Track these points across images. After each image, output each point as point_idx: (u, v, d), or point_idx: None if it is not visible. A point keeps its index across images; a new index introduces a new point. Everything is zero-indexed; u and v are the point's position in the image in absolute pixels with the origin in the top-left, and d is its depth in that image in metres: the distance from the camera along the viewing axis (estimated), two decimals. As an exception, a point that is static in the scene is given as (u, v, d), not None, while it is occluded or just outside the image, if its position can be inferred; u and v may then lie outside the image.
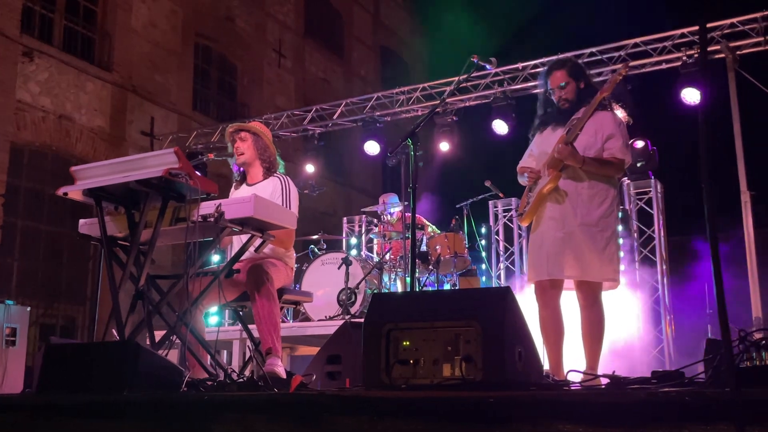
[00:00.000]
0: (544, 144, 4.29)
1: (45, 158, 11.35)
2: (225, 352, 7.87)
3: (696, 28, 8.05)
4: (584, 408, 2.22)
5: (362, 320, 2.85)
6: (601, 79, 8.48)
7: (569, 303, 4.25)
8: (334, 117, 10.43)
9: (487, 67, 4.21)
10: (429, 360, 2.70)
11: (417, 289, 6.65)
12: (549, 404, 2.29)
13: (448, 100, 9.51)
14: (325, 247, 8.09)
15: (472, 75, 9.15)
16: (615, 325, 7.25)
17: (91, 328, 11.47)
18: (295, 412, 2.63)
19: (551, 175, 4.14)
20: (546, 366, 3.84)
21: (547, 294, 4.15)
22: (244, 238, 3.94)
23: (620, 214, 7.97)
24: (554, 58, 8.51)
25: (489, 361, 2.60)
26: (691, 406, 2.06)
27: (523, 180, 4.37)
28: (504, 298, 2.70)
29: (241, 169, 4.70)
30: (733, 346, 2.49)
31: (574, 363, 3.99)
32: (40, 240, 11.22)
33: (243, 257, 4.10)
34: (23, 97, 10.86)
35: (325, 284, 7.32)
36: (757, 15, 7.68)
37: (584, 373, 3.61)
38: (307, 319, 7.31)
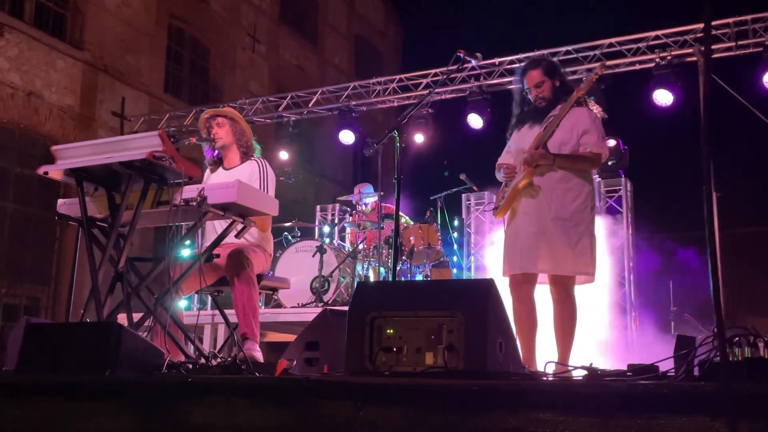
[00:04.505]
0: (521, 141, 4.37)
1: (12, 135, 11.16)
2: (195, 336, 7.84)
3: (671, 30, 8.20)
4: (565, 398, 2.29)
5: (342, 308, 2.91)
6: (575, 77, 8.61)
7: (543, 296, 4.33)
8: (310, 105, 10.42)
9: (473, 62, 4.26)
10: (412, 348, 2.75)
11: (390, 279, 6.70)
12: (531, 394, 2.35)
13: (424, 93, 9.56)
14: (299, 234, 8.10)
15: (449, 69, 9.23)
16: (580, 319, 7.39)
17: (55, 308, 11.34)
18: (279, 397, 2.66)
19: (526, 171, 4.22)
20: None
21: (521, 288, 4.22)
22: (222, 222, 3.95)
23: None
24: (530, 55, 8.63)
25: (471, 351, 2.66)
26: (668, 398, 2.14)
27: (500, 176, 4.45)
28: (488, 289, 2.76)
29: (217, 153, 4.69)
30: (706, 343, 2.58)
31: (545, 355, 4.09)
32: (5, 219, 11.03)
33: (224, 242, 4.10)
34: (-8, 72, 10.67)
35: (298, 271, 7.33)
36: (729, 20, 7.85)
37: (561, 364, 3.70)
38: (280, 305, 7.33)
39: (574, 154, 4.21)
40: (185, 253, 4.37)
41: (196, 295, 7.02)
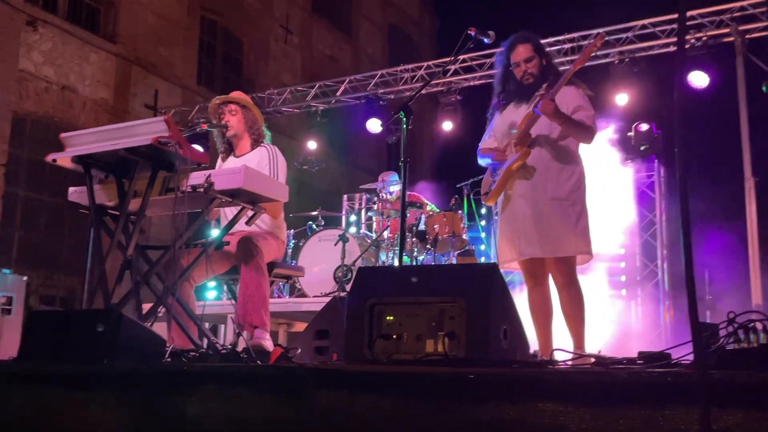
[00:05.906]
0: (506, 122, 4.19)
1: (47, 129, 11.31)
2: (223, 326, 7.86)
3: (706, 10, 7.92)
4: (564, 386, 2.18)
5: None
6: (608, 60, 8.39)
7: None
8: (338, 94, 10.35)
9: (485, 40, 4.11)
10: (412, 335, 2.66)
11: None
12: (529, 382, 2.24)
13: (452, 80, 9.44)
14: (323, 223, 8.04)
15: (479, 54, 9.10)
16: (614, 309, 7.23)
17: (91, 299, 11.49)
18: (275, 385, 2.59)
19: (519, 151, 4.03)
20: (536, 346, 3.80)
21: (534, 274, 4.09)
22: (234, 209, 3.90)
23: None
24: (560, 38, 8.44)
25: (473, 338, 2.56)
26: (672, 386, 2.02)
27: (485, 161, 4.27)
28: (490, 274, 2.65)
29: (226, 140, 4.65)
30: (721, 328, 2.44)
31: (565, 343, 3.94)
32: (42, 210, 11.22)
33: (234, 230, 4.06)
34: (26, 66, 10.81)
35: (321, 260, 7.28)
36: (768, -2, 7.56)
37: (570, 352, 3.56)
38: (303, 295, 7.29)
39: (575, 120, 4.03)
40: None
41: (225, 285, 7.00)
